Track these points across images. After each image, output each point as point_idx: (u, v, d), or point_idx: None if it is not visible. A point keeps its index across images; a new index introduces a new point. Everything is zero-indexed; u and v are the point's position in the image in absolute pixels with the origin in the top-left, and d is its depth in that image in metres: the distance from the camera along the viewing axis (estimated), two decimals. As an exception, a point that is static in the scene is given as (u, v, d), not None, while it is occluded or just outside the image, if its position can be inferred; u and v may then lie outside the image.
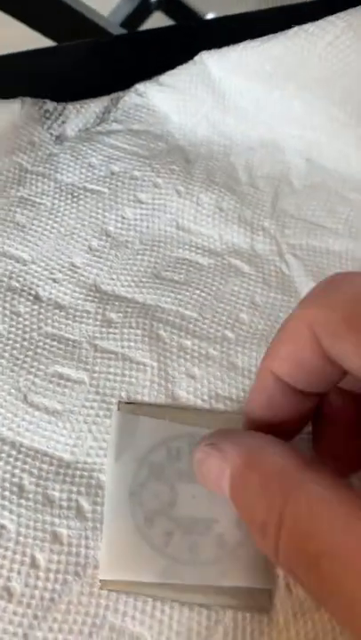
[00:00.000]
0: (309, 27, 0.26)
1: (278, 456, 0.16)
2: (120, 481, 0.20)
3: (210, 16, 0.73)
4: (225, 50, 0.29)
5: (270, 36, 0.27)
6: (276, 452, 0.16)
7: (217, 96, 0.30)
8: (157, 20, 0.77)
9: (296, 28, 0.26)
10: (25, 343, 0.24)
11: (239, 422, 0.20)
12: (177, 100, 0.30)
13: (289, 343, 0.17)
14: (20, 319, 0.24)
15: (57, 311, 0.25)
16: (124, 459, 0.21)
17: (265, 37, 0.27)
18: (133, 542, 0.19)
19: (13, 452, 0.21)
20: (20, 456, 0.21)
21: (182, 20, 0.78)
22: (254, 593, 0.19)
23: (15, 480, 0.21)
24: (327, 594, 0.14)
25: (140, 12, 0.77)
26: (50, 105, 0.30)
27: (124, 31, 0.59)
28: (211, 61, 0.30)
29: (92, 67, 0.34)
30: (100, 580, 0.19)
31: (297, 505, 0.15)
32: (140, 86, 0.31)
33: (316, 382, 0.17)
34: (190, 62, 0.30)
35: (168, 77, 0.31)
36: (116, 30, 0.52)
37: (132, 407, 0.22)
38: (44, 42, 0.49)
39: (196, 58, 0.30)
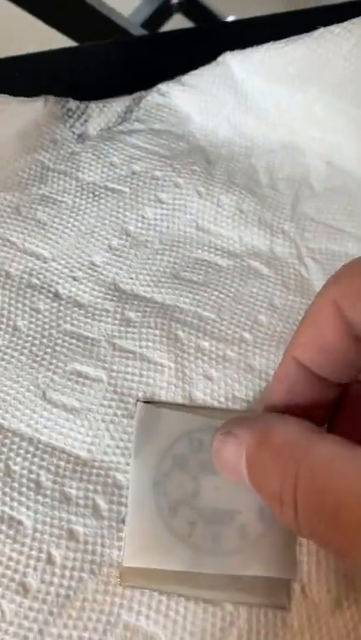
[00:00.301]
0: (335, 28, 0.26)
1: (289, 428, 0.16)
2: (144, 471, 0.21)
3: (230, 19, 0.73)
4: (249, 51, 0.29)
5: (295, 37, 0.27)
6: (287, 424, 0.16)
7: (239, 97, 0.30)
8: (178, 23, 0.77)
9: (321, 30, 0.26)
10: (44, 340, 0.24)
11: None
12: (199, 100, 0.30)
13: (313, 326, 0.17)
14: (40, 316, 0.25)
15: (76, 309, 0.25)
16: (148, 449, 0.21)
17: (289, 39, 0.27)
18: (157, 531, 0.20)
19: (31, 449, 0.21)
20: (38, 452, 0.21)
21: (203, 22, 0.78)
22: (274, 588, 0.19)
23: (32, 476, 0.21)
24: (350, 544, 0.14)
25: (161, 14, 0.78)
26: (72, 104, 0.30)
27: (144, 32, 0.60)
28: (234, 62, 0.30)
29: (114, 67, 0.34)
30: (124, 568, 0.19)
31: (310, 465, 0.15)
32: (162, 86, 0.31)
33: (339, 368, 0.17)
34: (213, 63, 0.30)
35: (191, 78, 0.31)
36: (137, 31, 0.52)
37: (150, 406, 0.22)
38: (65, 42, 0.49)
39: (220, 58, 0.30)
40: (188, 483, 0.20)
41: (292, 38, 0.27)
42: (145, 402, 0.22)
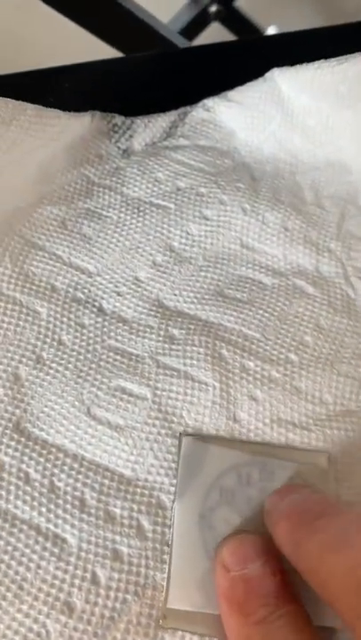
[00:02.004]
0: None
1: None
2: (190, 504, 0.20)
3: (271, 30, 0.73)
4: (298, 68, 0.28)
5: (347, 56, 0.27)
6: None
7: (285, 114, 0.30)
8: (215, 31, 0.77)
9: (375, 50, 0.26)
10: (89, 355, 0.24)
11: (310, 458, 0.19)
12: (245, 116, 0.30)
13: None
14: (85, 331, 0.25)
15: (120, 324, 0.25)
16: (194, 482, 0.21)
17: (340, 58, 0.27)
18: (202, 571, 0.19)
19: (75, 465, 0.22)
20: (82, 469, 0.21)
21: (240, 31, 0.78)
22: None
23: (77, 494, 0.21)
24: None
25: (198, 23, 0.78)
26: (118, 119, 0.30)
27: (185, 41, 0.60)
28: (282, 79, 0.29)
29: (159, 78, 0.34)
30: (167, 609, 0.19)
31: None
32: (208, 101, 0.31)
33: None
34: (260, 79, 0.30)
35: (237, 93, 0.31)
36: (179, 40, 0.52)
37: (197, 438, 0.22)
38: (107, 52, 0.49)
39: (267, 75, 0.30)
40: (235, 518, 0.20)
41: (343, 57, 0.27)
42: (188, 435, 0.22)
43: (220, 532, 0.20)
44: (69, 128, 0.28)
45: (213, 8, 0.76)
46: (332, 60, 0.27)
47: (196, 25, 0.78)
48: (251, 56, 0.35)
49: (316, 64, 0.27)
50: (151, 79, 0.34)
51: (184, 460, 0.21)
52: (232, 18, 0.78)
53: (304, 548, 0.16)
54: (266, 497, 0.20)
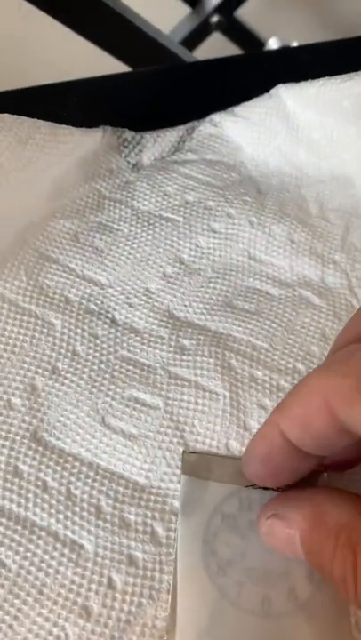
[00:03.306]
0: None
1: (342, 510, 0.17)
2: (193, 529, 0.20)
3: (272, 41, 0.74)
4: (303, 84, 0.29)
5: (351, 74, 0.27)
6: (338, 506, 0.17)
7: (290, 129, 0.31)
8: (216, 41, 0.78)
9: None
10: (102, 366, 0.25)
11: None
12: (251, 130, 0.31)
13: (301, 408, 0.17)
14: (98, 341, 0.25)
15: (132, 335, 0.26)
16: (197, 508, 0.21)
17: (345, 75, 0.28)
18: (206, 597, 0.19)
19: (91, 473, 0.22)
20: (98, 477, 0.22)
21: (242, 41, 0.79)
22: None
23: (93, 501, 0.22)
24: None
25: (200, 33, 0.79)
26: (128, 134, 0.31)
27: (186, 51, 0.61)
28: (287, 95, 0.30)
29: (165, 93, 0.35)
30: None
31: None
32: (215, 116, 0.32)
33: (322, 448, 0.17)
34: (266, 95, 0.31)
35: (243, 109, 0.32)
36: (187, 56, 0.53)
37: (196, 456, 0.22)
38: (114, 67, 0.50)
39: (273, 91, 0.31)
40: (237, 542, 0.20)
41: (348, 75, 0.27)
42: (191, 452, 0.23)
43: (221, 556, 0.20)
44: (82, 144, 0.29)
45: (215, 18, 0.77)
46: (337, 77, 0.28)
47: (197, 35, 0.78)
48: (256, 70, 0.36)
49: (321, 81, 0.28)
50: (158, 93, 0.35)
51: (187, 485, 0.21)
52: (233, 28, 0.79)
53: None
54: None
